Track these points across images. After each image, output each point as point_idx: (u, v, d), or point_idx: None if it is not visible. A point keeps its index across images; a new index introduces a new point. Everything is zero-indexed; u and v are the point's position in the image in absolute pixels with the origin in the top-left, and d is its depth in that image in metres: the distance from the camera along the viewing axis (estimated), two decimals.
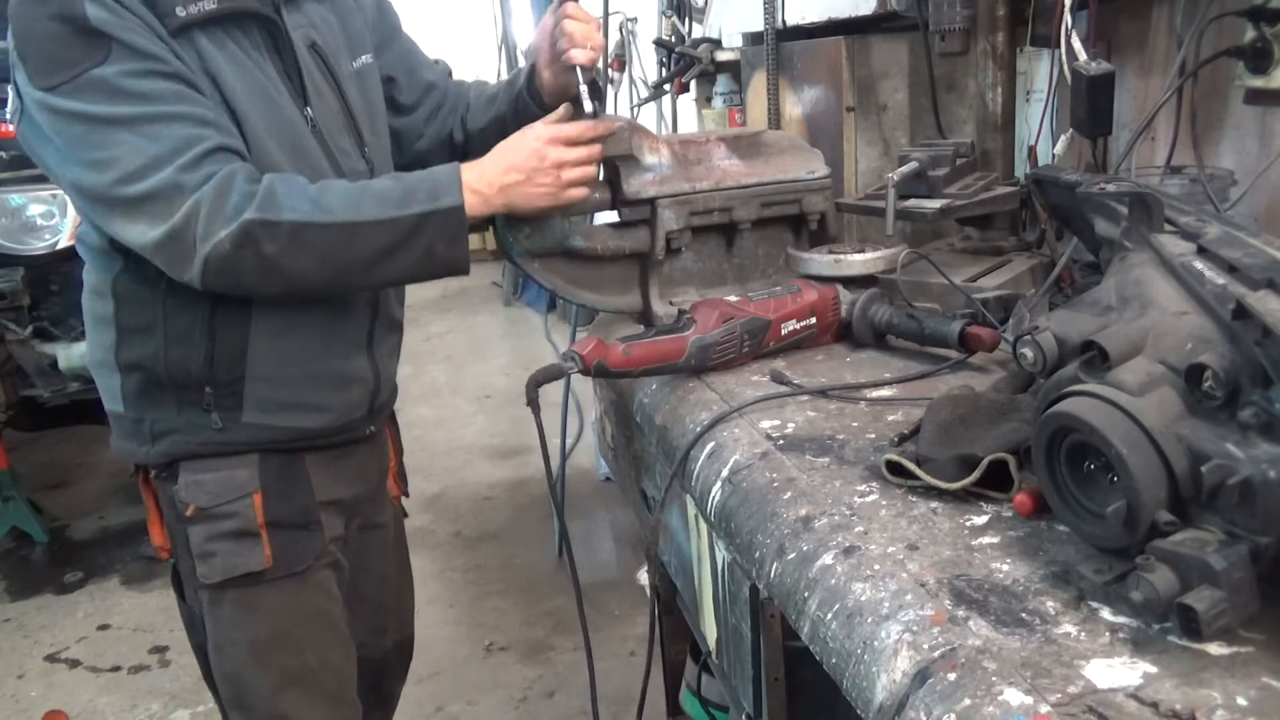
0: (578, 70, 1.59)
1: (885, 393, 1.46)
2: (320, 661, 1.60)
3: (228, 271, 1.33)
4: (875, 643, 0.91)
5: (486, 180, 1.47)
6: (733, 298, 1.61)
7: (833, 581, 1.01)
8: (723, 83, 3.01)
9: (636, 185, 1.70)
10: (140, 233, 1.33)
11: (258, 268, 1.34)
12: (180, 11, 1.31)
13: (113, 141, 1.28)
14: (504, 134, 1.59)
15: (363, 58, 1.63)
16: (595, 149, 1.56)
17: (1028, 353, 1.05)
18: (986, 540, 1.03)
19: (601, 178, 1.84)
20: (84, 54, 1.26)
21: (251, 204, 1.31)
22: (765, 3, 2.31)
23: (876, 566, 1.00)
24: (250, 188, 1.32)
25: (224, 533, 1.50)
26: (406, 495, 1.92)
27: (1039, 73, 2.20)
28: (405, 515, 1.95)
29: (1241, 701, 0.76)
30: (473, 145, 1.77)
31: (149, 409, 1.51)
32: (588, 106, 1.61)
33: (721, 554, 1.37)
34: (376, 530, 1.80)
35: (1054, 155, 1.86)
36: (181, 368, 1.46)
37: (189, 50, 1.34)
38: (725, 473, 1.31)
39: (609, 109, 3.64)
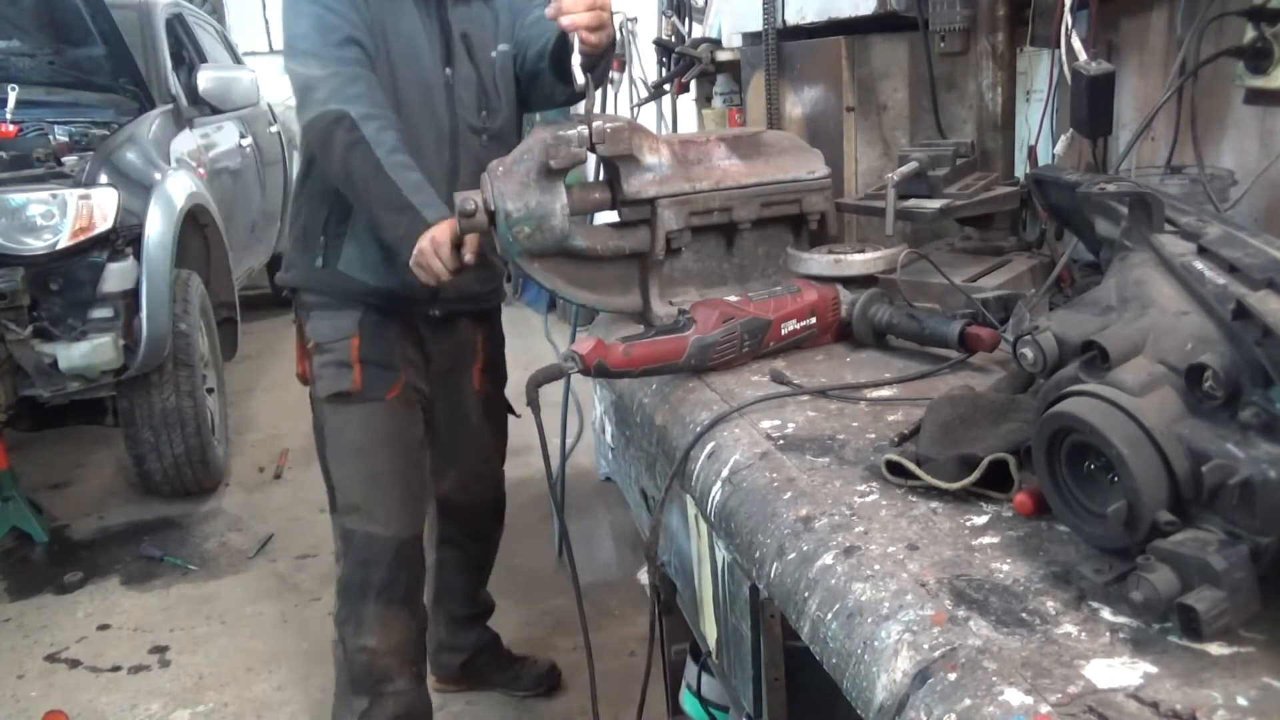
0: (574, 38, 1.67)
1: (885, 393, 1.46)
2: (390, 470, 2.15)
3: (322, 124, 1.86)
4: (875, 643, 0.91)
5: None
6: (733, 298, 1.61)
7: (833, 581, 1.01)
8: (723, 83, 3.00)
9: (636, 185, 1.70)
10: (292, 73, 1.92)
11: (336, 134, 1.85)
12: None
13: (302, 13, 1.92)
14: (542, 85, 2.12)
15: (501, 46, 2.11)
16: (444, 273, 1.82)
17: (1028, 353, 1.05)
18: (987, 540, 1.03)
19: (602, 178, 1.84)
20: None
21: (362, 106, 1.85)
22: (765, 3, 2.31)
23: (877, 566, 1.00)
24: (370, 110, 1.85)
25: (330, 362, 2.12)
26: (491, 394, 2.45)
27: (1039, 73, 2.20)
28: (511, 411, 2.50)
29: (1242, 702, 0.76)
30: (523, 87, 2.19)
31: (292, 250, 2.20)
32: (579, 79, 1.64)
33: (721, 554, 1.37)
34: (458, 407, 2.38)
35: (1054, 155, 1.86)
36: (314, 220, 2.10)
37: (379, 3, 1.94)
38: (725, 473, 1.31)
39: (609, 107, 3.63)
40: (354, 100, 1.84)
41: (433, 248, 1.78)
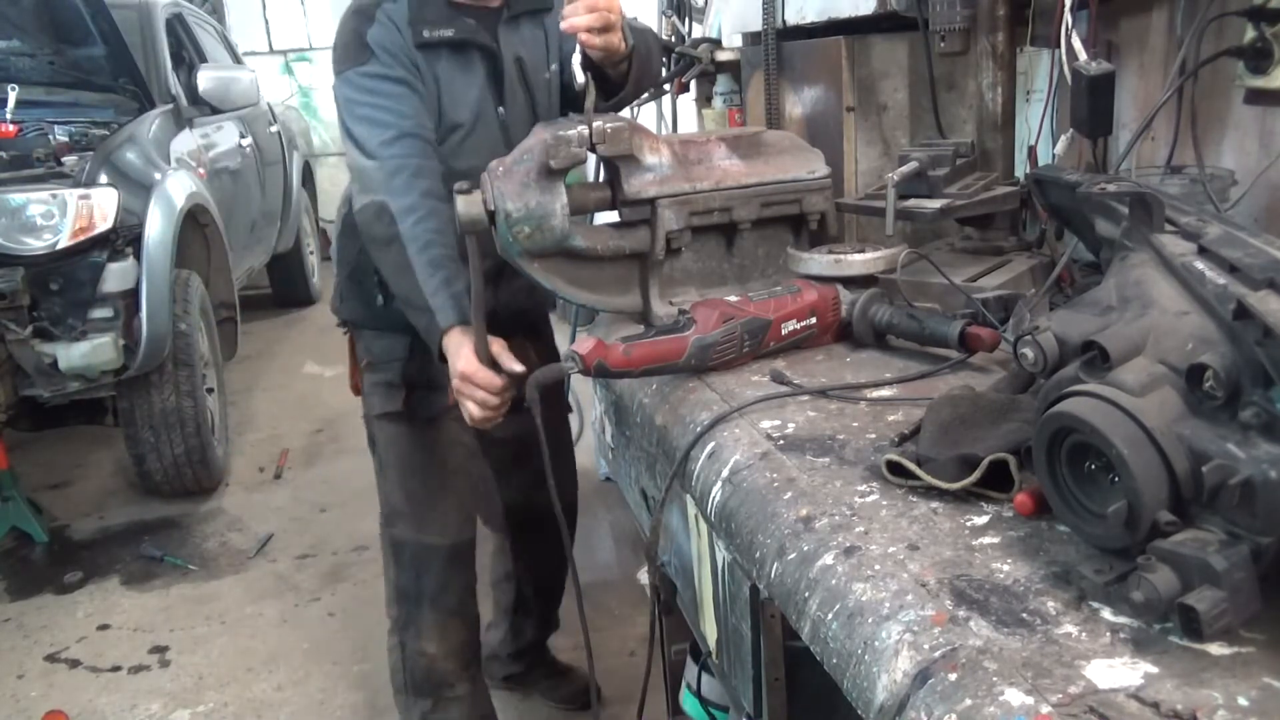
0: (578, 39, 1.66)
1: (885, 393, 1.46)
2: (440, 482, 2.21)
3: (366, 215, 1.89)
4: (876, 643, 0.91)
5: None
6: (733, 298, 1.61)
7: (833, 582, 1.01)
8: (723, 83, 3.00)
9: (637, 185, 1.70)
10: (349, 161, 1.96)
11: (376, 227, 1.87)
12: (426, 34, 1.93)
13: (355, 116, 1.92)
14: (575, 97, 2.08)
15: (553, 66, 2.09)
16: (492, 399, 1.71)
17: (1028, 353, 1.05)
18: (987, 540, 1.03)
19: (602, 178, 1.84)
20: (356, 58, 1.92)
21: (401, 198, 1.84)
22: (765, 3, 2.31)
23: (877, 567, 1.00)
24: (408, 201, 1.84)
25: (381, 382, 2.17)
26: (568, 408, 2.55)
27: (1039, 73, 2.20)
28: (570, 409, 2.58)
29: (1242, 702, 0.76)
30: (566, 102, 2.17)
31: (345, 284, 2.22)
32: (579, 77, 1.65)
33: (721, 554, 1.37)
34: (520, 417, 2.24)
35: (1054, 155, 1.86)
36: (364, 265, 2.07)
37: (431, 58, 1.94)
38: (725, 473, 1.31)
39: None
40: (395, 192, 1.85)
41: (464, 385, 1.69)
